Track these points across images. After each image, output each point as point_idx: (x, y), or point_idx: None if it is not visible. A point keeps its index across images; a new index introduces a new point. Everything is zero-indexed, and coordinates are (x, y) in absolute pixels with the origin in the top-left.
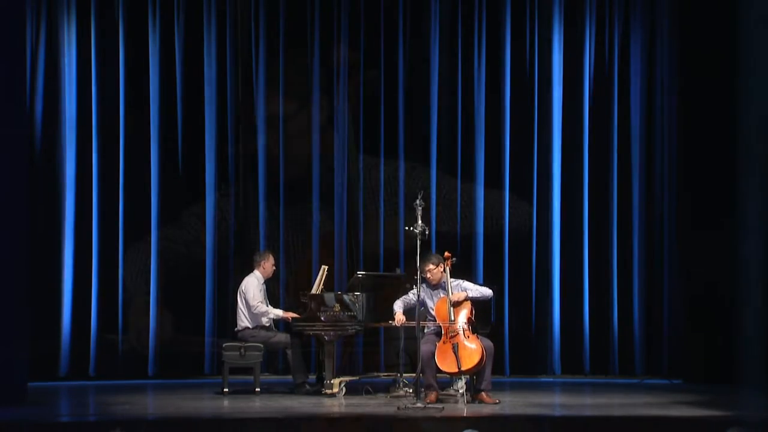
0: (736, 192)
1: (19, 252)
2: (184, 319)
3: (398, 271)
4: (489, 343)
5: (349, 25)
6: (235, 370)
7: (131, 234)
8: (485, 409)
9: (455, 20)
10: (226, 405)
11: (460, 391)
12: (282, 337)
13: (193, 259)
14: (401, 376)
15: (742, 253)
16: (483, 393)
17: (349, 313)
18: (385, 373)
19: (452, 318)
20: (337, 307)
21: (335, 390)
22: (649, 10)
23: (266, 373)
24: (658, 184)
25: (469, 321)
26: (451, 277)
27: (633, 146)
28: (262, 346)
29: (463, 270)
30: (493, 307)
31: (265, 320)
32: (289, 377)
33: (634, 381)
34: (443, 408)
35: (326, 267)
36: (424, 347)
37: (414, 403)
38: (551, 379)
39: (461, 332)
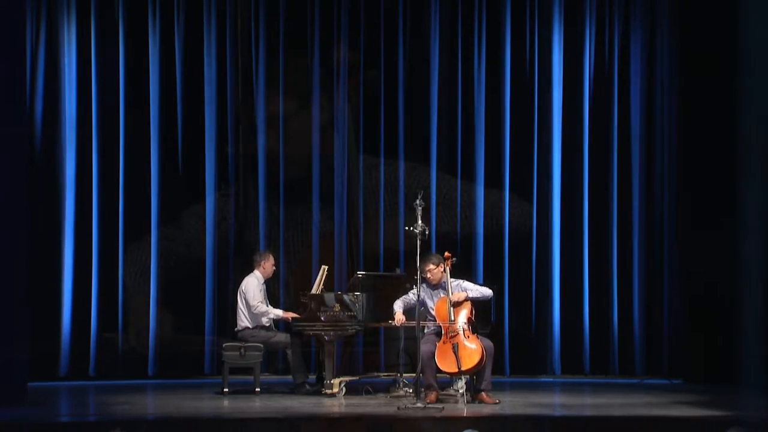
0: (736, 192)
1: (19, 252)
2: (184, 319)
3: (398, 271)
4: (489, 343)
5: (349, 25)
6: (235, 370)
7: (131, 234)
8: (485, 409)
9: (455, 20)
10: (226, 405)
11: (460, 391)
12: (282, 337)
13: (193, 259)
14: (401, 376)
15: (742, 253)
16: (483, 393)
17: (349, 313)
18: (385, 373)
19: (452, 318)
20: (337, 307)
21: (335, 390)
22: (649, 10)
23: (266, 373)
24: (658, 184)
25: (469, 321)
26: (451, 277)
27: (633, 146)
28: (262, 346)
29: (463, 270)
30: (493, 307)
31: (265, 320)
32: (289, 377)
33: (634, 381)
34: (443, 408)
35: (326, 267)
36: (424, 347)
37: (414, 403)
38: (551, 379)
39: (461, 332)
